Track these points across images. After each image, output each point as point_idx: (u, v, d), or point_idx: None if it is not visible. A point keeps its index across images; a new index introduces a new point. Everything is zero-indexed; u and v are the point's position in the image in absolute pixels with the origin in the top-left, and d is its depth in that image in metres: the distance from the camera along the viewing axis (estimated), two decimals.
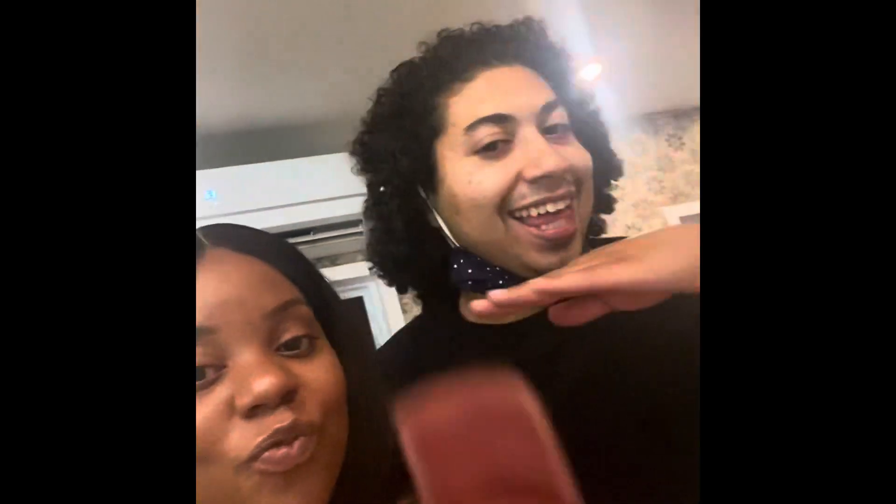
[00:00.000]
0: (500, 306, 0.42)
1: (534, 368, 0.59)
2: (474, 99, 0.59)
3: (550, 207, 0.58)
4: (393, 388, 0.47)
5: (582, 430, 0.56)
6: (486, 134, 0.58)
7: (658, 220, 2.90)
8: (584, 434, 0.56)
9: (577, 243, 0.60)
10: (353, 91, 1.63)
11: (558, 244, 0.58)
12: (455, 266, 0.63)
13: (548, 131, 0.59)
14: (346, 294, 2.39)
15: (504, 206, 0.58)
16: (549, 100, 0.60)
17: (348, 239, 2.15)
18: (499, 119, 0.58)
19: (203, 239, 0.44)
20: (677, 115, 3.09)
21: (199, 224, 0.48)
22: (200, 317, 0.38)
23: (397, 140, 0.62)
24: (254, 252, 0.43)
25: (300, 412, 0.38)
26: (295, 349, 0.41)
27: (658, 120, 3.06)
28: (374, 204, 0.66)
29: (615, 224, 2.77)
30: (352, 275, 2.29)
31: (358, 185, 0.71)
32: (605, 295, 0.44)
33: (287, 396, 0.38)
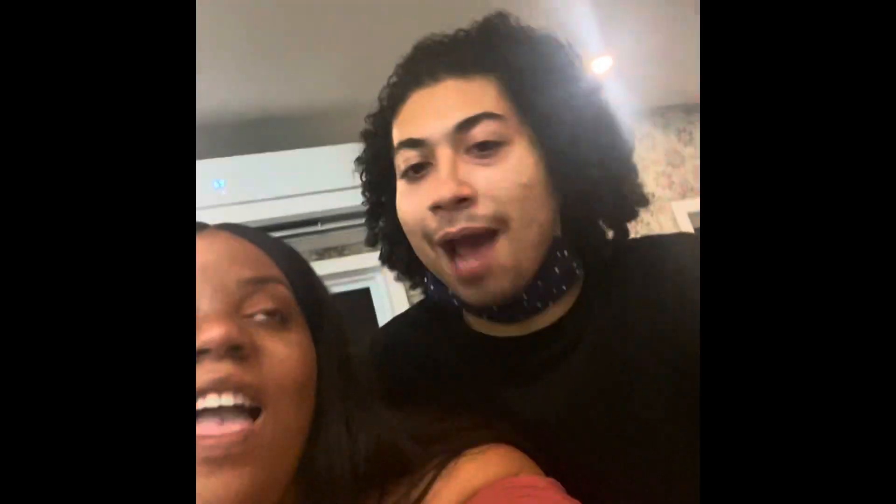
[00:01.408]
0: None
1: (537, 377, 0.59)
2: (400, 123, 0.58)
3: (457, 246, 0.54)
4: (376, 393, 0.48)
5: (584, 437, 0.56)
6: (403, 159, 0.56)
7: (667, 216, 2.88)
8: (587, 441, 0.56)
9: (500, 278, 0.54)
10: (362, 81, 1.63)
11: (471, 281, 0.54)
12: (428, 284, 0.64)
13: (479, 148, 0.53)
14: (352, 285, 2.42)
15: (426, 235, 0.55)
16: (467, 115, 0.53)
17: (356, 229, 2.16)
18: (413, 143, 0.55)
19: (208, 224, 0.46)
20: (688, 109, 3.06)
21: (206, 212, 0.49)
22: None
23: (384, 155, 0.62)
24: (249, 238, 0.46)
25: (245, 371, 0.38)
26: (267, 321, 0.42)
27: (668, 114, 3.04)
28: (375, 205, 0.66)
29: None
30: (359, 266, 2.29)
31: None
32: None
33: (237, 353, 0.38)
